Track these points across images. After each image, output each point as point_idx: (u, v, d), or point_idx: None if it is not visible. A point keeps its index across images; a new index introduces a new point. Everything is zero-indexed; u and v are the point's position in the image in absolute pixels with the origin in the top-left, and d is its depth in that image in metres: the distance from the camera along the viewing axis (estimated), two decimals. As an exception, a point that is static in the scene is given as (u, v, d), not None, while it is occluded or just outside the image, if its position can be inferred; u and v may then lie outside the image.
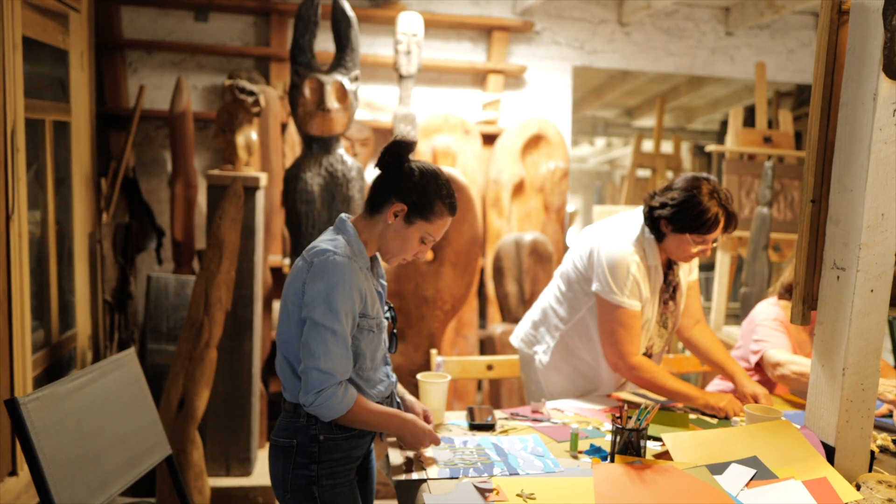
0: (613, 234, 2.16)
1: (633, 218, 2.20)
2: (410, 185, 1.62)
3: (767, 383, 2.48)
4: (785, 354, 2.35)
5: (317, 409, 1.57)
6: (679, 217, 2.05)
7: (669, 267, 2.24)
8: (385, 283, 1.79)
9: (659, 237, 2.13)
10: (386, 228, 1.65)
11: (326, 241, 1.63)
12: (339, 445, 1.65)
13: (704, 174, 2.10)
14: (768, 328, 2.46)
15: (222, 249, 2.78)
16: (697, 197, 2.04)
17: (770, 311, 2.52)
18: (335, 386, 1.56)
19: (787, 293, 2.57)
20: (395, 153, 1.65)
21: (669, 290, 2.25)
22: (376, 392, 1.70)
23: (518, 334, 2.47)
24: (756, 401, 2.10)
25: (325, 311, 1.55)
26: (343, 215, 1.70)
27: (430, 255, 3.39)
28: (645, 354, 2.25)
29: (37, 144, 2.81)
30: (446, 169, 3.39)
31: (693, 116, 7.25)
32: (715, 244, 2.14)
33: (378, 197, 1.66)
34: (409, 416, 1.69)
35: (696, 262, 2.32)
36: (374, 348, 1.68)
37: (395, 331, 1.82)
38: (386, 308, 1.77)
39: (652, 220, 2.12)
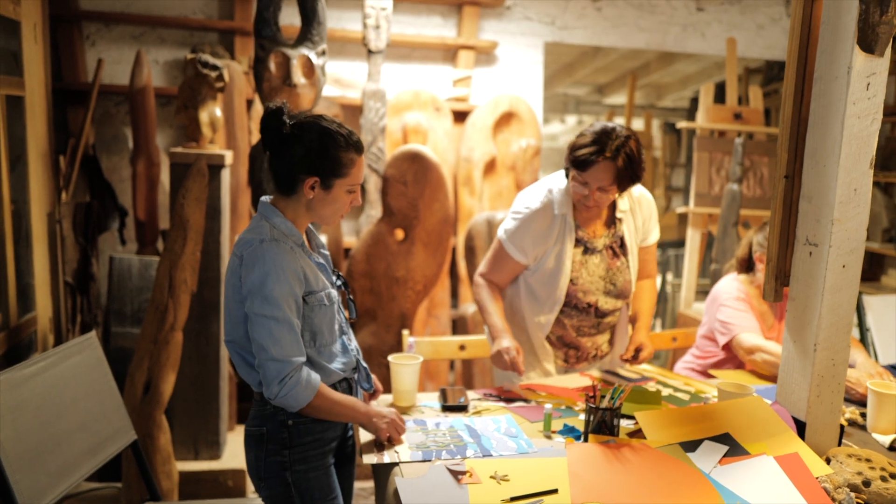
0: (531, 187, 2.23)
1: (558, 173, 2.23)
2: (310, 155, 1.56)
3: (740, 366, 2.49)
4: (756, 339, 2.35)
5: (284, 400, 1.54)
6: (568, 152, 2.06)
7: (613, 222, 2.21)
8: (326, 252, 1.76)
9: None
10: (310, 202, 1.60)
11: (251, 230, 1.60)
12: (310, 429, 1.62)
13: (621, 126, 2.04)
14: (733, 309, 2.46)
15: (187, 230, 2.70)
16: (584, 132, 2.03)
17: (731, 288, 2.53)
18: (295, 372, 1.53)
19: (742, 267, 2.60)
20: (272, 127, 1.57)
21: (613, 240, 2.20)
22: (337, 366, 1.66)
23: None
24: (637, 351, 2.13)
25: (262, 302, 1.52)
26: (264, 198, 1.65)
27: (400, 235, 3.35)
28: (589, 307, 2.19)
29: (-11, 120, 2.69)
30: (418, 146, 3.34)
31: (663, 94, 7.26)
32: (609, 194, 2.04)
33: (284, 176, 1.59)
34: (371, 409, 1.67)
35: (653, 222, 2.27)
36: (329, 321, 1.65)
37: (350, 297, 1.78)
38: (335, 277, 1.73)
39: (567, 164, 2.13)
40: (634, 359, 2.15)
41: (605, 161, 1.98)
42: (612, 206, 2.21)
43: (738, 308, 2.46)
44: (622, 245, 2.22)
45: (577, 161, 2.00)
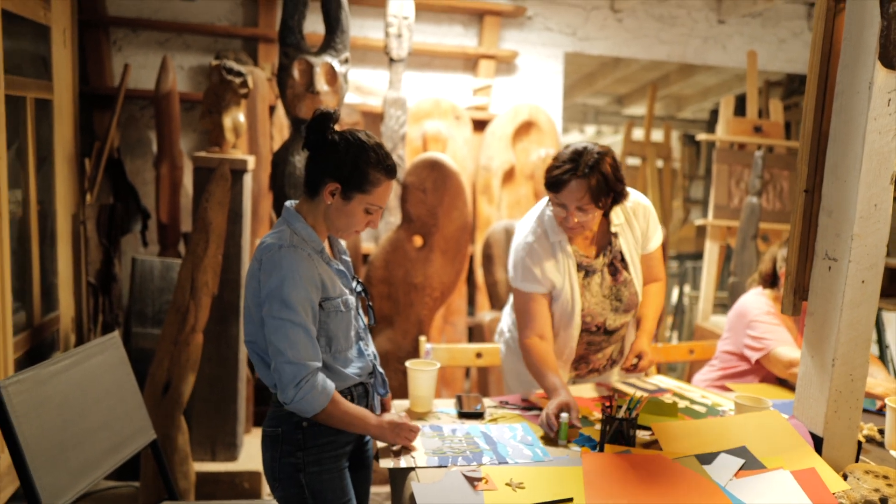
0: (521, 221, 2.20)
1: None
2: (339, 161, 1.59)
3: (768, 378, 2.47)
4: (794, 352, 2.31)
5: (299, 405, 1.56)
6: (544, 177, 2.01)
7: (609, 241, 2.15)
8: (348, 258, 1.78)
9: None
10: (328, 209, 1.63)
11: (272, 234, 1.63)
12: (324, 431, 1.64)
13: (595, 144, 1.99)
14: (766, 324, 2.43)
15: (209, 233, 2.74)
16: (558, 155, 1.99)
17: (761, 304, 2.50)
18: (311, 376, 1.55)
19: (765, 282, 2.57)
20: (318, 130, 1.61)
21: (612, 257, 2.14)
22: (353, 371, 1.68)
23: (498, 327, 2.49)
24: (638, 359, 2.09)
25: (279, 306, 1.55)
26: (288, 203, 1.68)
27: (419, 242, 3.37)
28: (598, 329, 2.15)
29: (18, 122, 2.75)
30: (437, 154, 3.36)
31: (683, 105, 7.25)
32: (589, 214, 1.98)
33: (312, 179, 1.63)
34: (382, 421, 1.67)
35: (653, 228, 2.19)
36: (345, 327, 1.67)
37: (370, 304, 1.81)
38: (355, 283, 1.75)
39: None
40: (634, 367, 2.11)
41: (577, 180, 1.93)
42: (606, 223, 2.15)
43: (772, 322, 2.42)
44: (622, 259, 2.16)
45: (550, 182, 1.97)
